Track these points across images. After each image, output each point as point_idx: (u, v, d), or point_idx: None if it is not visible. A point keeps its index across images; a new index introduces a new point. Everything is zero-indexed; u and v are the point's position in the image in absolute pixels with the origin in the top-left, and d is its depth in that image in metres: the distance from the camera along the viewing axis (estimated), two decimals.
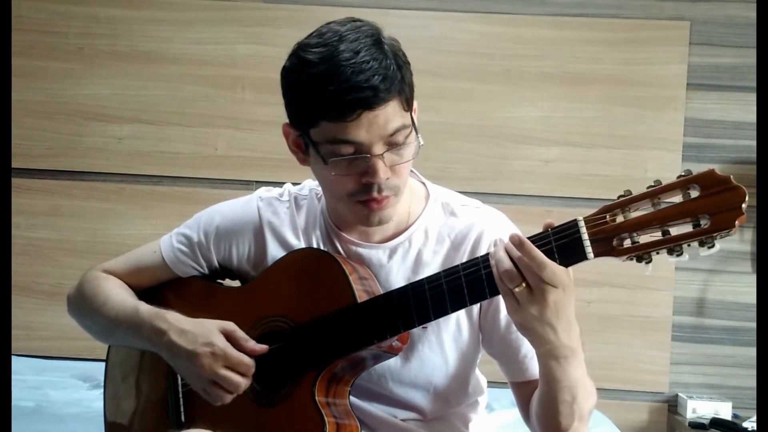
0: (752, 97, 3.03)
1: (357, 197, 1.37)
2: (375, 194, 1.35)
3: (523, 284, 1.21)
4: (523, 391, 1.50)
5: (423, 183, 1.57)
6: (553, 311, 1.22)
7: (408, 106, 1.36)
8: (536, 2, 3.15)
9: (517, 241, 1.22)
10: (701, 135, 3.13)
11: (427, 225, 1.50)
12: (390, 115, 1.31)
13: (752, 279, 3.05)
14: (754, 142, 2.99)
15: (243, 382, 1.41)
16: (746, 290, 3.09)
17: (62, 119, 3.17)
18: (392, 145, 1.34)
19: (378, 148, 1.32)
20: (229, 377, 1.40)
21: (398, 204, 1.42)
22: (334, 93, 1.28)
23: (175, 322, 1.46)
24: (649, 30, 3.11)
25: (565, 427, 1.37)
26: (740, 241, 3.09)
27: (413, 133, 1.37)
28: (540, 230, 1.24)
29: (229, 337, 1.42)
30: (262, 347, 1.43)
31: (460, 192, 1.59)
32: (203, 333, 1.42)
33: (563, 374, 1.31)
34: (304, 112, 1.36)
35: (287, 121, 1.42)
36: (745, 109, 3.10)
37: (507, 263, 1.22)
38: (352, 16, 1.38)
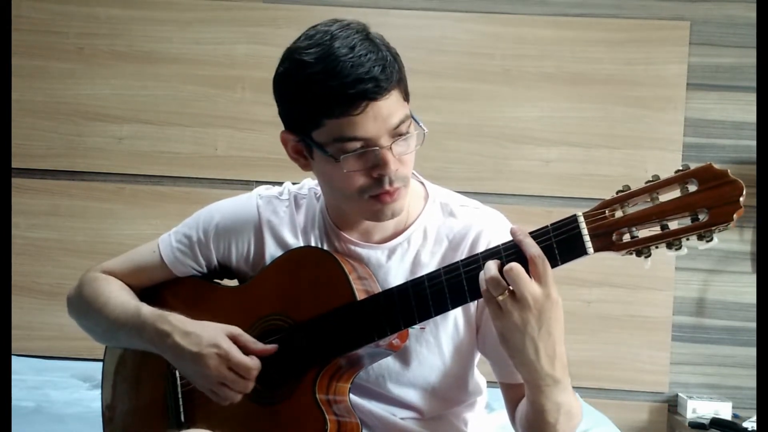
0: (752, 97, 3.04)
1: (369, 192, 1.37)
2: (387, 186, 1.35)
3: (506, 292, 1.20)
4: (512, 393, 1.49)
5: (422, 183, 1.57)
6: (538, 321, 1.21)
7: (406, 96, 1.37)
8: (536, 2, 3.15)
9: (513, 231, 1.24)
10: (701, 135, 3.13)
11: (425, 225, 1.51)
12: (393, 106, 1.32)
13: (752, 279, 3.05)
14: (754, 142, 2.99)
15: (249, 384, 1.41)
16: (746, 290, 3.09)
17: (62, 119, 3.18)
18: (398, 136, 1.34)
19: (385, 140, 1.33)
20: (235, 378, 1.40)
21: (407, 196, 1.43)
22: (337, 88, 1.28)
23: (179, 324, 1.46)
24: (649, 30, 3.11)
25: None
26: (740, 241, 3.08)
27: (414, 124, 1.38)
28: (531, 224, 1.25)
29: (235, 341, 1.42)
30: (271, 347, 1.43)
31: (460, 192, 1.59)
32: (209, 335, 1.42)
33: (546, 400, 1.30)
34: (304, 115, 1.36)
35: (283, 129, 1.43)
36: (745, 109, 3.10)
37: (492, 270, 1.22)
38: (335, 18, 1.39)
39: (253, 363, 1.41)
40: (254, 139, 3.14)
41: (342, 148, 1.33)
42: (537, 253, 1.21)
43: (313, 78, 1.31)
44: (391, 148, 1.33)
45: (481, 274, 1.23)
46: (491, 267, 1.22)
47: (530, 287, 1.19)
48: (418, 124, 1.38)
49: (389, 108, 1.32)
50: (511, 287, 1.20)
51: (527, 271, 1.21)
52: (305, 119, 1.36)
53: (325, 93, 1.30)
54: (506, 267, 1.21)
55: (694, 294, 3.13)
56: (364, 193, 1.37)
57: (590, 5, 3.14)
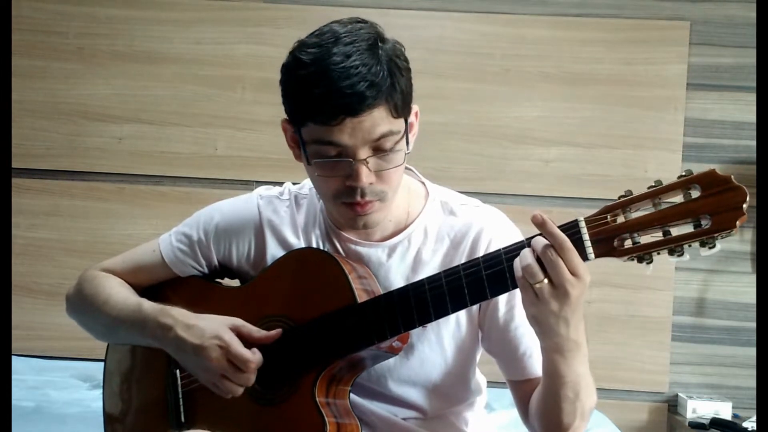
0: (752, 97, 3.04)
1: (342, 199, 1.38)
2: (358, 198, 1.36)
3: (545, 280, 1.20)
4: (522, 389, 1.50)
5: (422, 182, 1.57)
6: (573, 307, 1.21)
7: (397, 113, 1.34)
8: (536, 2, 3.15)
9: (539, 220, 1.20)
10: (701, 135, 3.13)
11: (426, 224, 1.51)
12: (376, 120, 1.31)
13: (752, 279, 3.05)
14: (754, 142, 2.99)
15: (250, 377, 1.41)
16: (746, 290, 3.09)
17: (62, 119, 3.17)
18: (378, 150, 1.34)
19: (362, 153, 1.32)
20: (236, 371, 1.40)
21: (386, 210, 1.42)
22: (319, 96, 1.29)
23: (181, 317, 1.46)
24: (649, 30, 3.11)
25: (567, 424, 1.37)
26: (740, 241, 3.09)
27: (403, 140, 1.37)
28: (531, 224, 1.23)
29: (237, 332, 1.43)
30: (274, 333, 1.43)
31: (460, 192, 1.59)
32: (211, 327, 1.43)
33: (567, 369, 1.30)
34: (295, 111, 1.37)
35: (286, 117, 1.43)
36: (745, 109, 3.10)
37: (529, 258, 1.21)
38: (357, 17, 1.38)
39: (252, 356, 1.40)
40: (254, 139, 3.14)
41: (319, 151, 1.34)
42: (566, 239, 1.19)
43: (302, 79, 1.32)
44: (367, 161, 1.33)
45: (516, 261, 1.23)
46: (527, 255, 1.21)
47: (568, 275, 1.19)
48: (407, 143, 1.37)
49: (372, 122, 1.30)
50: (549, 275, 1.20)
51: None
52: (295, 115, 1.37)
53: (309, 97, 1.30)
54: (542, 251, 1.19)
55: (694, 294, 3.13)
56: (337, 198, 1.38)
57: (590, 5, 3.14)
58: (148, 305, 1.51)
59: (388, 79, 1.31)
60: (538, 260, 1.20)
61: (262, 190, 1.61)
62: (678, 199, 1.16)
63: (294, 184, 1.62)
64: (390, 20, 3.06)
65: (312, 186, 1.57)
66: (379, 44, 1.34)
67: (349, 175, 1.34)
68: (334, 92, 1.28)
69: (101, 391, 1.73)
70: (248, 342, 1.42)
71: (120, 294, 1.57)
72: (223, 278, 1.64)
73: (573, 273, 1.19)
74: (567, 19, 3.13)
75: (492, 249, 1.36)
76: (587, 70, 3.12)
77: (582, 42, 3.12)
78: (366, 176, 1.33)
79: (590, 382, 1.36)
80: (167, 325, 1.46)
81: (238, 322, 1.44)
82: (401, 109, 1.35)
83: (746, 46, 3.07)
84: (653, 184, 1.17)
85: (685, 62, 3.10)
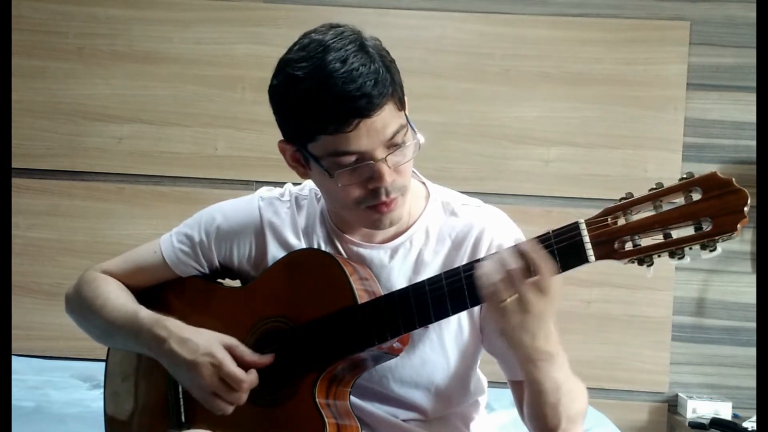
0: (752, 97, 3.04)
1: (366, 203, 1.37)
2: (384, 198, 1.35)
3: (510, 297, 1.21)
4: (521, 389, 1.49)
5: (423, 183, 1.56)
6: (537, 319, 1.22)
7: (401, 105, 1.35)
8: (536, 2, 3.15)
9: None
10: (701, 135, 3.13)
11: (427, 225, 1.50)
12: (387, 118, 1.31)
13: (752, 279, 3.05)
14: (754, 142, 2.99)
15: (241, 397, 1.41)
16: (746, 290, 3.09)
17: (62, 119, 3.17)
18: (393, 147, 1.33)
19: (380, 153, 1.32)
20: (227, 390, 1.40)
21: (406, 203, 1.43)
22: (328, 106, 1.28)
23: (176, 330, 1.45)
24: (649, 30, 3.11)
25: (553, 426, 1.37)
26: (740, 241, 3.09)
27: (410, 131, 1.37)
28: (540, 232, 1.24)
29: (230, 351, 1.42)
30: (266, 358, 1.43)
31: (461, 192, 1.59)
32: (204, 343, 1.42)
33: (543, 377, 1.31)
34: (299, 129, 1.35)
35: (281, 138, 1.42)
36: (745, 109, 3.10)
37: (494, 277, 1.22)
38: (330, 22, 1.37)
39: (244, 376, 1.40)
40: (254, 139, 3.13)
41: (336, 162, 1.33)
42: (548, 268, 1.21)
43: (304, 94, 1.30)
44: (386, 159, 1.33)
45: (483, 278, 1.23)
46: (492, 270, 1.22)
47: (533, 294, 1.20)
48: (414, 132, 1.38)
49: (383, 121, 1.31)
50: (515, 292, 1.20)
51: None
52: (300, 132, 1.36)
53: (316, 110, 1.29)
54: (509, 270, 1.20)
55: (694, 294, 3.14)
56: (360, 203, 1.37)
57: (590, 5, 3.14)
58: (145, 314, 1.51)
59: (387, 75, 1.31)
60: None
61: (263, 191, 1.60)
62: (679, 201, 1.16)
63: (294, 185, 1.61)
64: (390, 20, 3.09)
65: (312, 187, 1.57)
66: (366, 42, 1.33)
67: (371, 177, 1.34)
68: (343, 98, 1.27)
69: (101, 391, 1.73)
70: (240, 363, 1.42)
71: (118, 299, 1.57)
72: (224, 279, 1.64)
73: (537, 287, 1.20)
74: (567, 19, 3.13)
75: (494, 250, 1.36)
76: (587, 70, 3.12)
77: (582, 42, 3.12)
78: (389, 175, 1.33)
79: (573, 387, 1.35)
80: (161, 337, 1.45)
81: (232, 341, 1.44)
82: (403, 102, 1.36)
83: (746, 46, 3.07)
84: (654, 186, 1.17)
85: (685, 62, 3.10)
